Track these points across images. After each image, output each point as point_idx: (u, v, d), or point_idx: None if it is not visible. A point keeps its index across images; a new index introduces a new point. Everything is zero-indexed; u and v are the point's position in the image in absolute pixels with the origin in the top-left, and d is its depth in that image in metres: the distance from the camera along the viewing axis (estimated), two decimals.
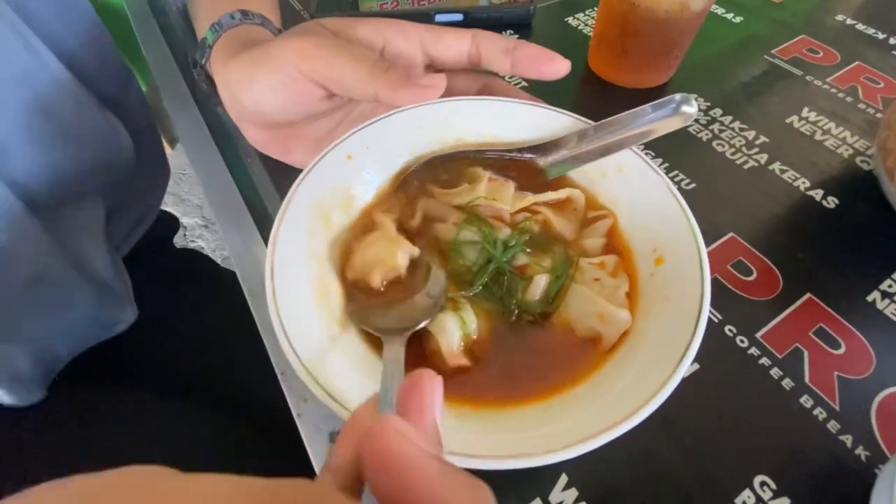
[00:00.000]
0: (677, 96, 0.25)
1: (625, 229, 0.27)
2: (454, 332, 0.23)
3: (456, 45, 0.29)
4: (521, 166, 0.29)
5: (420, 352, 0.24)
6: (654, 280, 0.24)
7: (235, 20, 0.33)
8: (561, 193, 0.28)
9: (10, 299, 0.33)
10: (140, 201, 0.48)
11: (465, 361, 0.23)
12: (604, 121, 0.27)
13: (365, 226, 0.27)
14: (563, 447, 0.18)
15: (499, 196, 0.27)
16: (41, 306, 0.35)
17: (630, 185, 0.27)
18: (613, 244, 0.27)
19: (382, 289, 0.25)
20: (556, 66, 0.27)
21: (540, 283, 0.25)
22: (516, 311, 0.25)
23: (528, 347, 0.24)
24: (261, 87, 0.28)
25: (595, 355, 0.23)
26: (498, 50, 0.28)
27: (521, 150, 0.29)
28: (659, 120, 0.25)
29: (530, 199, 0.27)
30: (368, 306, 0.24)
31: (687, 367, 0.20)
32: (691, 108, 0.25)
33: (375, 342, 0.23)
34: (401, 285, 0.25)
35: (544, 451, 0.18)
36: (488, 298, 0.25)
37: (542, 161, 0.29)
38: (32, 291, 0.34)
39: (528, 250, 0.26)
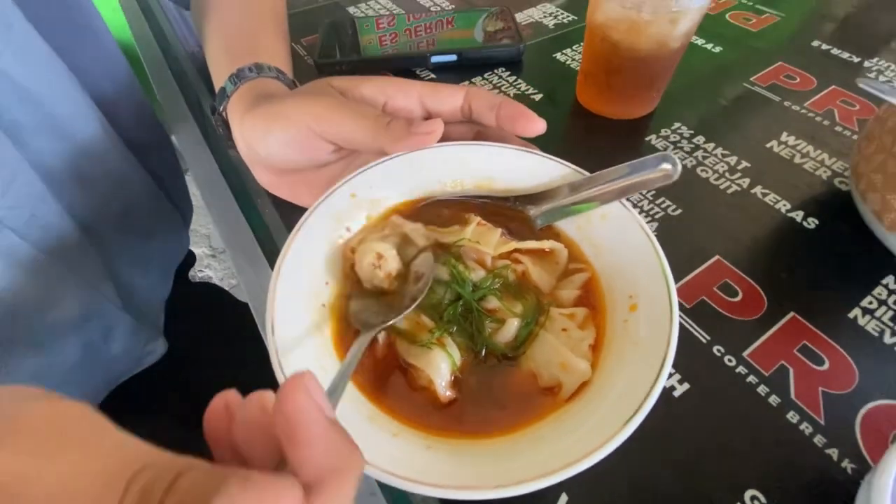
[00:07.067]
0: (660, 155, 0.27)
1: (603, 277, 0.28)
2: (443, 367, 0.25)
3: (450, 100, 0.31)
4: (513, 215, 0.31)
5: (403, 389, 0.25)
6: (627, 326, 0.25)
7: (253, 73, 0.36)
8: (544, 244, 0.29)
9: (60, 337, 0.36)
10: (170, 239, 0.51)
11: (453, 394, 0.25)
12: (594, 174, 0.29)
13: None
14: (517, 482, 0.19)
15: (483, 240, 0.29)
16: (88, 344, 0.38)
17: (612, 231, 0.28)
18: (588, 298, 0.28)
19: (385, 285, 0.27)
20: (532, 125, 0.30)
21: (511, 327, 0.26)
22: (484, 350, 0.26)
23: (497, 386, 0.25)
24: (275, 140, 0.31)
25: (555, 401, 0.24)
26: (486, 106, 0.31)
27: (514, 198, 0.31)
28: (643, 176, 0.27)
29: (512, 244, 0.29)
30: (368, 308, 0.27)
31: (649, 408, 0.21)
32: (669, 166, 0.27)
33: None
34: (397, 282, 0.28)
35: (496, 486, 0.19)
36: (460, 333, 0.26)
37: (534, 211, 0.31)
38: (79, 326, 0.36)
39: (500, 295, 0.27)
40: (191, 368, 0.49)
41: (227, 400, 0.17)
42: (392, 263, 0.28)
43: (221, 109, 0.37)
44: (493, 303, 0.27)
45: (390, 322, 0.25)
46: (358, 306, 0.27)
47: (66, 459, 0.13)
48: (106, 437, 0.14)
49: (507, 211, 0.31)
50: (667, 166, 0.26)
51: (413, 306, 0.26)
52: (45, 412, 0.14)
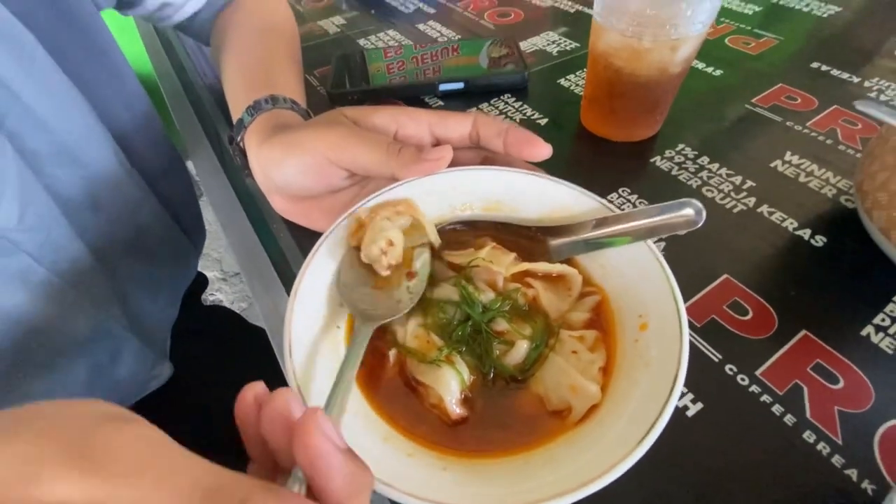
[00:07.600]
0: (683, 201, 0.27)
1: (613, 299, 0.28)
2: (453, 384, 0.25)
3: (459, 127, 0.32)
4: (530, 245, 0.31)
5: (416, 408, 0.25)
6: (638, 346, 0.25)
7: (268, 105, 0.37)
8: (556, 267, 0.29)
9: (69, 358, 0.36)
10: (180, 264, 0.53)
11: (464, 412, 0.25)
12: (623, 212, 0.29)
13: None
14: (533, 503, 0.19)
15: (496, 260, 0.29)
16: (95, 366, 0.38)
17: (620, 251, 0.29)
18: (599, 320, 0.28)
19: (381, 272, 0.28)
20: (538, 150, 0.31)
21: (520, 350, 0.26)
22: (492, 371, 0.26)
23: (506, 408, 0.25)
24: (291, 168, 0.32)
25: (565, 424, 0.24)
26: (493, 133, 0.32)
27: (535, 228, 0.32)
28: (668, 219, 0.27)
29: (524, 265, 0.29)
30: (357, 286, 0.28)
31: (663, 425, 0.21)
32: (691, 212, 0.26)
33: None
34: (397, 272, 0.29)
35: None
36: (469, 353, 0.27)
37: (554, 242, 0.31)
38: (87, 348, 0.37)
39: (509, 317, 0.27)
40: (198, 392, 0.49)
41: (255, 392, 0.18)
42: (397, 253, 0.29)
43: (239, 139, 0.38)
44: (502, 325, 0.27)
45: (387, 320, 0.27)
46: (349, 279, 0.28)
47: (140, 483, 0.14)
48: (175, 458, 0.15)
49: (524, 241, 0.32)
50: (688, 212, 0.26)
51: (412, 304, 0.27)
52: (123, 436, 0.15)
